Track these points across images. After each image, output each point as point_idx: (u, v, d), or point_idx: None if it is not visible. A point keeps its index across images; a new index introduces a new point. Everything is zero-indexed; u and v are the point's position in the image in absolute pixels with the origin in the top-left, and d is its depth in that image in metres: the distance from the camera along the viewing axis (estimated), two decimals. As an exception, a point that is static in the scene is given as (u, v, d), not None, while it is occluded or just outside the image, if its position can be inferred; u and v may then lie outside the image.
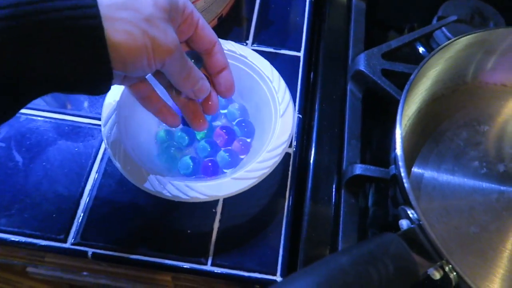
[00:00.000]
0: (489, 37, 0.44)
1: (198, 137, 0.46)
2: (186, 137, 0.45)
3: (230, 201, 0.44)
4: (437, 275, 0.33)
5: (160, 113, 0.38)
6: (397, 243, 0.30)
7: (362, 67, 0.49)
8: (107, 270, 0.49)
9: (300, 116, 0.50)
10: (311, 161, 0.46)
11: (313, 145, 0.47)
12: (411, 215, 0.33)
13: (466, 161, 0.43)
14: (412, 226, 0.32)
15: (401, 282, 0.28)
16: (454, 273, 0.32)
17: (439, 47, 0.41)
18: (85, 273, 0.50)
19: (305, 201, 0.44)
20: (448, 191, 0.41)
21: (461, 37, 0.42)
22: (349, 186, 0.44)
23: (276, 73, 0.45)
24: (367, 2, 0.59)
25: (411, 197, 0.33)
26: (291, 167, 0.46)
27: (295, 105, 0.50)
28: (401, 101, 0.38)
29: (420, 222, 0.32)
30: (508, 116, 0.46)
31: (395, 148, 0.36)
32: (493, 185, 0.42)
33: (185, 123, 0.41)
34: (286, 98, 0.43)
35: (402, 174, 0.34)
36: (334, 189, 0.44)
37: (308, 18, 0.57)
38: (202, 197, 0.38)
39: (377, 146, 0.52)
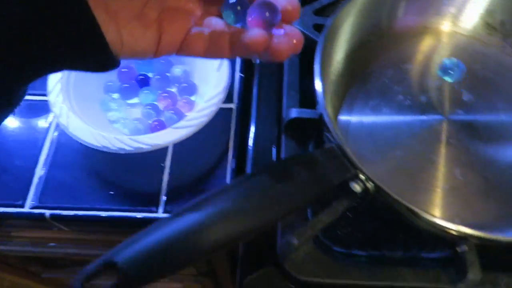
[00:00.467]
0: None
1: (144, 102, 0.49)
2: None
3: (178, 156, 0.47)
4: (357, 188, 0.36)
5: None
6: (313, 157, 0.33)
7: (295, 23, 0.53)
8: (72, 238, 0.51)
9: (242, 75, 0.53)
10: (253, 113, 0.49)
11: (254, 99, 0.50)
12: (330, 138, 0.36)
13: (391, 96, 0.47)
14: (331, 144, 0.36)
15: (315, 188, 0.32)
16: (371, 183, 0.35)
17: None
18: (52, 244, 0.52)
19: (247, 150, 0.47)
20: (375, 126, 0.45)
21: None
22: (289, 130, 0.47)
23: (210, 33, 0.48)
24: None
25: (327, 119, 0.36)
26: (234, 120, 0.49)
27: (232, 66, 0.53)
28: (319, 42, 0.41)
29: (337, 141, 0.35)
30: (427, 54, 0.50)
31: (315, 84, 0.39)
32: (416, 115, 0.45)
33: None
34: (220, 54, 0.46)
35: (320, 100, 0.37)
36: (275, 137, 0.48)
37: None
38: (145, 147, 0.41)
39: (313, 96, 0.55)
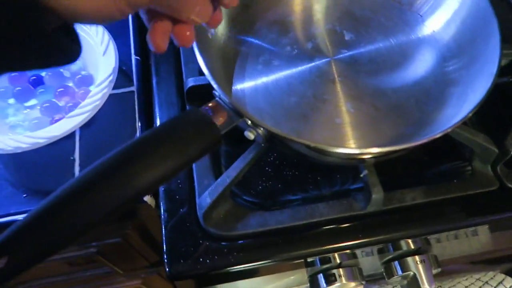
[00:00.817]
0: None
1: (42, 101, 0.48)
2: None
3: (86, 146, 0.47)
4: (251, 135, 0.38)
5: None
6: (198, 113, 0.35)
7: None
8: None
9: (138, 58, 0.53)
10: (155, 92, 0.50)
11: (154, 78, 0.51)
12: (216, 93, 0.38)
13: (280, 49, 0.49)
14: (215, 99, 0.37)
15: (201, 140, 0.33)
16: (261, 128, 0.37)
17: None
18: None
19: (154, 125, 0.48)
20: (269, 81, 0.47)
21: None
22: (191, 100, 0.49)
23: (92, 20, 0.48)
24: None
25: (208, 76, 0.37)
26: (137, 101, 0.50)
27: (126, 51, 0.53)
28: None
29: (220, 94, 0.37)
30: (306, 5, 0.52)
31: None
32: (305, 62, 0.48)
33: None
34: (105, 39, 0.46)
35: (198, 56, 0.38)
36: (176, 109, 0.49)
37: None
38: (42, 141, 0.40)
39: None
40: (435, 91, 0.45)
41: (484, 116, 0.49)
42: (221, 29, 0.48)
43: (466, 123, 0.47)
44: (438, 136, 0.37)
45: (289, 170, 0.49)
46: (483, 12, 0.42)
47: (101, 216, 0.27)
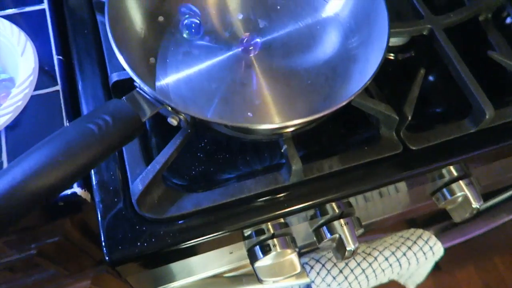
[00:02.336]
0: None
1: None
2: None
3: (14, 150, 0.47)
4: (174, 121, 0.41)
5: None
6: (117, 103, 0.37)
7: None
8: None
9: (61, 57, 0.54)
10: (80, 90, 0.51)
11: (78, 76, 0.52)
12: (136, 84, 0.40)
13: (199, 39, 0.51)
14: (136, 89, 0.39)
15: (123, 130, 0.35)
16: (182, 114, 0.40)
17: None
18: None
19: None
20: (190, 72, 0.49)
21: None
22: (117, 95, 0.50)
23: (6, 22, 0.48)
24: None
25: (126, 66, 0.39)
26: (63, 101, 0.50)
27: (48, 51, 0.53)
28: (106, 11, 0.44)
29: (139, 83, 0.39)
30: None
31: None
32: (223, 50, 0.51)
33: None
34: (21, 39, 0.47)
35: (114, 49, 0.40)
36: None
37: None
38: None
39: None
40: (341, 68, 0.50)
41: (388, 89, 0.55)
42: (139, 22, 0.50)
43: (372, 96, 0.53)
44: (341, 105, 0.42)
45: (220, 153, 0.51)
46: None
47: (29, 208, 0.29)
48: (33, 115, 0.49)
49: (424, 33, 0.56)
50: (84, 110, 0.50)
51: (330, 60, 0.51)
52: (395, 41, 0.60)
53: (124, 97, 0.38)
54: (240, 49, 0.51)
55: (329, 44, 0.52)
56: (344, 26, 0.52)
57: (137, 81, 0.39)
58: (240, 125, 0.39)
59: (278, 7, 0.55)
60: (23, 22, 0.55)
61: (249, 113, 0.47)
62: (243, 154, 0.51)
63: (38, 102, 0.49)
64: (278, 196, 0.47)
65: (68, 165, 0.32)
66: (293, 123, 0.41)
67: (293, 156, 0.45)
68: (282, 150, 0.47)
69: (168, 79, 0.49)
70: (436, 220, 0.81)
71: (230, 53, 0.51)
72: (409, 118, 0.49)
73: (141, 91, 0.39)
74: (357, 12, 0.50)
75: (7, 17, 0.55)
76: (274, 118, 0.47)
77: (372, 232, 0.70)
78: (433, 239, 0.68)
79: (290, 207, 0.47)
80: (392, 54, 0.61)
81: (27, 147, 0.48)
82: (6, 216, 0.29)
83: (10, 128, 0.47)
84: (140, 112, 0.37)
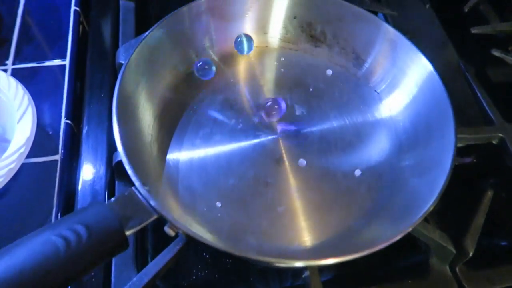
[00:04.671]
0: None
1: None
2: None
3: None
4: (171, 232, 0.33)
5: None
6: (99, 208, 0.29)
7: (121, 59, 0.49)
8: None
9: (69, 121, 0.48)
10: (80, 164, 0.45)
11: (83, 146, 0.46)
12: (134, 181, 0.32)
13: (223, 122, 0.44)
14: (131, 188, 0.32)
15: (98, 247, 0.28)
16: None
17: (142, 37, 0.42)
18: None
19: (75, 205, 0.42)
20: (206, 157, 0.42)
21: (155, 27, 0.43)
22: (120, 176, 0.43)
23: (13, 81, 0.43)
24: (135, 1, 0.60)
25: (125, 163, 0.32)
26: (59, 173, 0.44)
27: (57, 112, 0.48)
28: (117, 88, 0.37)
29: (137, 184, 0.31)
30: (258, 73, 0.49)
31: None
32: (249, 137, 0.43)
33: None
34: (23, 103, 0.41)
35: (118, 147, 0.33)
36: (104, 185, 0.43)
37: (74, 26, 0.56)
38: None
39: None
40: (388, 179, 0.41)
41: (440, 201, 0.45)
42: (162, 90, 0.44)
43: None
44: (388, 243, 0.33)
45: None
46: (439, 100, 0.39)
47: None
48: (22, 187, 0.43)
49: (494, 142, 0.46)
50: (80, 186, 0.43)
51: (376, 166, 0.42)
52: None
53: (112, 199, 0.30)
54: (269, 139, 0.43)
55: (377, 147, 0.43)
56: (398, 131, 0.43)
57: (135, 181, 0.31)
58: (249, 256, 0.31)
59: (320, 93, 0.47)
60: (41, 77, 0.50)
61: (268, 224, 0.38)
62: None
63: (31, 172, 0.43)
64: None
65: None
66: (320, 263, 0.32)
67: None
68: (303, 276, 0.37)
69: (180, 164, 0.41)
70: None
71: (257, 142, 0.43)
72: (470, 254, 0.39)
73: (136, 192, 0.31)
74: (417, 117, 0.42)
75: (26, 69, 0.51)
76: (298, 237, 0.38)
77: None
78: None
79: None
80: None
81: (8, 226, 0.41)
82: None
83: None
84: (126, 223, 0.29)
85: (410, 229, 0.33)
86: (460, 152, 0.52)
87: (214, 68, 0.46)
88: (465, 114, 0.51)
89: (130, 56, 0.39)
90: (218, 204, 0.39)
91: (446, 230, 0.40)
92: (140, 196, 0.31)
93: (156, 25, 0.43)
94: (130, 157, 0.33)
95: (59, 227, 0.27)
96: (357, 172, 0.41)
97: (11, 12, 0.57)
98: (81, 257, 0.27)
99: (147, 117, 0.42)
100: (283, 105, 0.44)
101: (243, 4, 0.48)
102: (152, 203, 0.30)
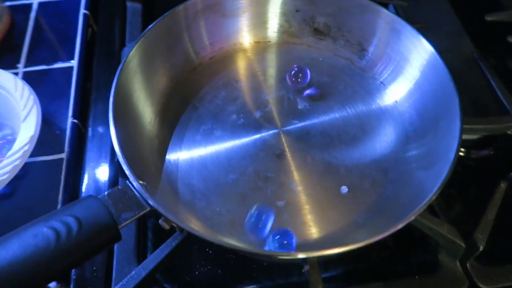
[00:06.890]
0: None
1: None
2: None
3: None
4: (166, 225, 0.33)
5: None
6: (92, 202, 0.29)
7: (126, 59, 0.50)
8: None
9: (76, 121, 0.49)
10: (85, 161, 0.45)
11: (88, 145, 0.46)
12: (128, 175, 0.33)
13: (225, 117, 0.44)
14: (125, 182, 0.32)
15: (90, 239, 0.28)
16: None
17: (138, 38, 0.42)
18: None
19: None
20: (207, 154, 0.42)
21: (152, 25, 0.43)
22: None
23: (20, 82, 0.44)
24: (142, 3, 0.60)
25: (119, 158, 0.32)
26: (64, 171, 0.45)
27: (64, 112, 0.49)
28: (112, 92, 0.38)
29: (130, 178, 0.32)
30: (257, 68, 0.48)
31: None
32: (250, 133, 0.43)
33: None
34: (29, 104, 0.42)
35: (112, 132, 0.34)
36: (108, 182, 0.44)
37: (83, 28, 0.58)
38: None
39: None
40: (394, 172, 0.40)
41: (454, 197, 0.43)
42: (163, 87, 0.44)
43: (431, 206, 0.41)
44: (389, 233, 0.31)
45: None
46: (443, 83, 0.37)
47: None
48: (29, 184, 0.44)
49: (509, 132, 0.44)
50: (84, 184, 0.44)
51: (380, 160, 0.41)
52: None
53: (106, 193, 0.31)
54: (270, 134, 0.43)
55: (382, 140, 0.42)
56: (404, 121, 0.42)
57: (129, 176, 0.31)
58: (248, 250, 0.30)
59: (325, 87, 0.46)
60: (50, 78, 0.52)
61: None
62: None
63: (38, 170, 0.44)
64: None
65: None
66: (319, 254, 0.31)
67: (316, 284, 0.35)
68: (303, 271, 0.36)
69: (180, 161, 0.41)
70: None
71: (258, 137, 0.42)
72: (481, 249, 0.37)
73: (130, 185, 0.31)
74: (422, 105, 0.40)
75: (36, 72, 0.52)
76: (298, 231, 0.37)
77: None
78: None
79: None
80: (463, 150, 0.49)
81: (13, 224, 0.42)
82: None
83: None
84: (119, 216, 0.29)
85: (409, 220, 0.31)
86: (477, 144, 0.50)
87: None
88: (480, 105, 0.49)
89: (128, 54, 0.39)
90: (218, 199, 0.39)
91: (457, 225, 0.38)
92: (133, 189, 0.31)
93: (153, 23, 0.43)
94: (124, 151, 0.33)
95: (50, 219, 0.27)
96: (361, 167, 0.40)
97: (24, 18, 0.59)
98: (72, 249, 0.27)
99: (148, 113, 0.42)
100: (309, 72, 0.45)
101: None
102: (145, 195, 0.30)
